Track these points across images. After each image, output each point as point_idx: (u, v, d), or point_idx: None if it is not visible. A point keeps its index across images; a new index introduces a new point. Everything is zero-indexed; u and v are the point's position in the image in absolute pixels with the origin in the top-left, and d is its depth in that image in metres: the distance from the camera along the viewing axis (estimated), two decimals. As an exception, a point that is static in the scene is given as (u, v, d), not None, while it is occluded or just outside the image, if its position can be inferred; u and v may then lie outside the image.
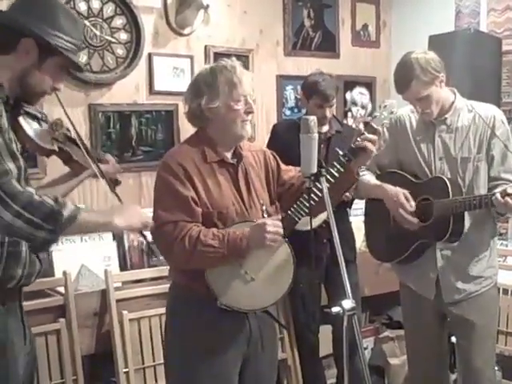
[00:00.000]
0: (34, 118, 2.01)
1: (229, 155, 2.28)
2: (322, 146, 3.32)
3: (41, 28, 1.84)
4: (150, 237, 2.23)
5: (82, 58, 3.52)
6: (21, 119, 1.94)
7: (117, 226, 1.94)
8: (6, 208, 1.69)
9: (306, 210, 2.21)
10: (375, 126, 2.22)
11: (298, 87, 4.45)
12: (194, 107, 2.25)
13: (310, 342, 3.55)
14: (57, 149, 2.05)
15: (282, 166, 2.43)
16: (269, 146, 3.45)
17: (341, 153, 2.23)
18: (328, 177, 2.17)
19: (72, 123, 2.14)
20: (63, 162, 2.15)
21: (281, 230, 2.16)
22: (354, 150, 2.21)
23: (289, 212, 2.24)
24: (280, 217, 2.22)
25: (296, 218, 2.23)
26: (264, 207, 2.30)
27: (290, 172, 2.42)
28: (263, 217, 2.27)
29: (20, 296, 2.01)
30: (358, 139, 2.21)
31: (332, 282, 3.37)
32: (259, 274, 2.21)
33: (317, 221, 3.08)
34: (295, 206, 2.24)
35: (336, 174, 2.20)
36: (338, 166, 2.21)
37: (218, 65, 2.25)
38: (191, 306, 2.22)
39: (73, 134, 2.13)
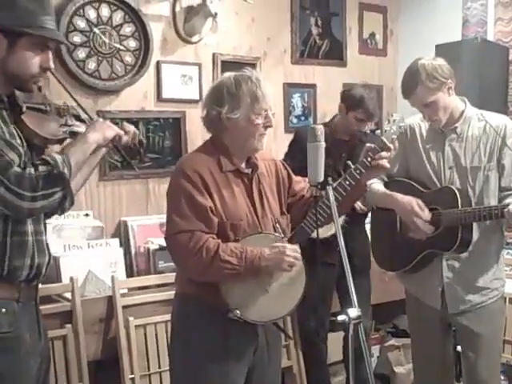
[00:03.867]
0: (38, 110, 1.99)
1: (243, 165, 2.27)
2: (344, 154, 3.32)
3: None
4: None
5: (91, 64, 3.56)
6: (24, 117, 1.93)
7: (94, 139, 1.99)
8: (21, 198, 1.77)
9: (319, 222, 2.22)
10: (386, 141, 2.23)
11: (306, 95, 4.50)
12: (213, 114, 2.22)
13: (317, 349, 3.54)
14: (67, 135, 2.04)
15: (293, 177, 2.43)
16: (290, 151, 3.46)
17: (352, 166, 2.25)
18: (340, 190, 2.22)
19: (77, 101, 2.12)
20: None
21: (299, 256, 2.19)
22: (366, 164, 2.23)
23: (302, 225, 2.28)
24: (298, 246, 2.22)
25: (309, 230, 2.27)
26: (275, 217, 2.29)
27: (300, 183, 2.42)
28: (274, 228, 2.27)
29: (36, 294, 2.02)
30: (371, 155, 2.22)
31: (344, 290, 3.36)
32: (273, 285, 2.21)
33: (331, 229, 3.11)
34: (308, 218, 2.26)
35: (348, 188, 2.23)
36: (350, 180, 2.24)
37: (243, 75, 2.22)
38: (199, 315, 2.21)
39: (82, 114, 2.11)
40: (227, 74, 2.27)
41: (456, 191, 2.57)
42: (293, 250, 2.17)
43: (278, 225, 2.29)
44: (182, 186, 2.15)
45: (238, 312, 2.15)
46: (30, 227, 1.93)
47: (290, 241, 2.27)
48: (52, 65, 1.95)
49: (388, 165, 2.26)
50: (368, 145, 2.27)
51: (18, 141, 1.88)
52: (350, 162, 2.27)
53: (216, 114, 2.20)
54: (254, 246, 2.16)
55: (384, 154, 2.23)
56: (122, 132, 2.10)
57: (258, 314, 2.19)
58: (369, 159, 2.23)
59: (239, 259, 2.11)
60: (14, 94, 1.94)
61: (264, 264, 2.13)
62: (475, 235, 2.60)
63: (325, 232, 3.25)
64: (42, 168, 1.81)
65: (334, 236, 3.17)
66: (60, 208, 1.93)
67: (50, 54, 1.95)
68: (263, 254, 2.13)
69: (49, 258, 2.03)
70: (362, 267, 3.38)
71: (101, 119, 2.12)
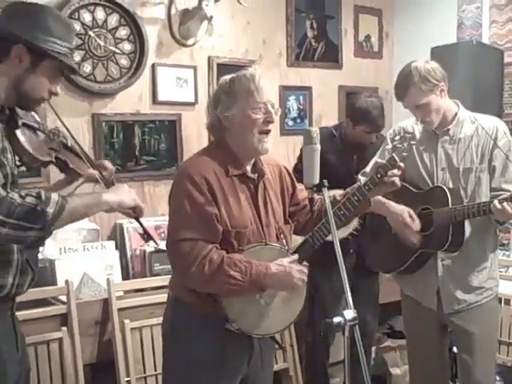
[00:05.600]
0: (32, 128, 1.99)
1: (249, 168, 2.21)
2: (355, 157, 3.33)
3: (29, 33, 1.85)
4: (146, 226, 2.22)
5: (87, 67, 3.55)
6: (18, 132, 1.92)
7: (107, 201, 1.94)
8: None
9: (324, 237, 2.21)
10: (397, 159, 2.21)
11: (301, 98, 4.51)
12: (212, 117, 2.19)
13: (322, 352, 3.53)
14: (54, 159, 2.04)
15: (297, 185, 2.37)
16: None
17: (362, 183, 2.24)
18: (348, 205, 2.22)
19: (68, 129, 2.12)
20: (60, 169, 2.15)
21: (305, 277, 2.14)
22: (376, 181, 2.21)
23: (307, 237, 2.24)
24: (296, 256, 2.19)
25: (314, 244, 2.23)
26: (279, 226, 2.24)
27: (303, 192, 2.37)
28: (278, 238, 2.22)
29: (13, 305, 1.98)
30: (381, 171, 2.20)
31: (354, 293, 3.37)
32: (274, 299, 2.16)
33: (343, 232, 3.18)
34: (314, 231, 2.23)
35: (356, 203, 2.22)
36: (359, 195, 2.22)
37: (239, 74, 2.17)
38: (195, 323, 2.15)
39: (69, 142, 2.12)
40: (225, 77, 2.23)
41: (446, 190, 2.60)
42: (299, 272, 2.12)
43: (282, 235, 2.24)
44: (188, 191, 2.07)
45: (235, 324, 2.11)
46: (15, 245, 1.89)
47: (295, 253, 2.22)
48: (59, 91, 1.97)
49: (399, 183, 2.24)
50: (379, 161, 2.25)
51: (9, 156, 1.86)
52: (360, 177, 2.25)
53: (214, 116, 2.18)
54: (258, 258, 2.10)
55: (396, 171, 2.21)
56: (142, 205, 2.07)
57: (256, 326, 2.16)
58: (379, 176, 2.20)
59: (244, 274, 2.04)
60: (15, 108, 1.94)
61: (269, 282, 2.08)
62: (468, 235, 2.62)
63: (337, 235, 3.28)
64: (28, 199, 1.76)
65: (346, 239, 3.22)
66: (33, 247, 1.88)
67: (60, 81, 1.99)
68: (268, 272, 2.07)
69: (32, 275, 1.98)
70: (372, 269, 3.40)
71: (126, 185, 2.08)
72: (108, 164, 2.25)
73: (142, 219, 2.13)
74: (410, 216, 2.62)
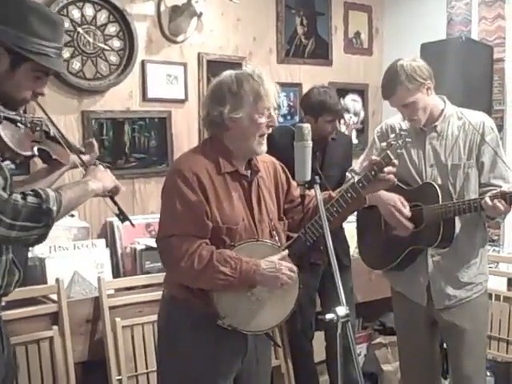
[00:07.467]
0: (13, 121, 1.91)
1: (243, 167, 2.21)
2: (318, 153, 3.33)
3: (8, 33, 1.78)
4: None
5: (76, 64, 3.53)
6: (0, 128, 1.85)
7: (93, 189, 1.99)
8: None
9: (317, 234, 2.21)
10: (392, 156, 2.21)
11: (291, 94, 4.50)
12: (214, 115, 2.14)
13: (306, 350, 3.54)
14: (36, 152, 1.97)
15: (292, 182, 2.36)
16: None
17: (356, 179, 2.23)
18: (341, 202, 2.22)
19: (50, 118, 2.06)
20: (43, 161, 2.09)
21: (294, 276, 2.14)
22: (369, 178, 2.21)
23: (300, 234, 2.24)
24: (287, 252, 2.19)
25: (307, 242, 2.23)
26: (273, 223, 2.24)
27: (298, 189, 2.33)
28: (271, 234, 2.22)
29: None
30: (375, 168, 2.19)
31: (327, 289, 3.38)
32: (265, 295, 2.17)
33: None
34: (307, 228, 2.22)
35: (349, 200, 2.22)
36: (352, 192, 2.22)
37: (244, 73, 2.15)
38: (189, 319, 2.15)
39: (52, 132, 2.06)
40: (227, 73, 2.19)
41: (436, 187, 2.60)
42: (288, 269, 2.12)
43: (274, 232, 2.24)
44: (178, 187, 2.08)
45: (226, 320, 2.11)
46: (3, 245, 1.87)
47: (287, 249, 2.22)
48: (45, 91, 1.92)
49: (395, 180, 2.23)
50: (373, 158, 2.25)
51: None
52: (352, 174, 2.25)
53: (218, 114, 2.13)
54: (250, 254, 2.11)
55: (390, 168, 2.20)
56: (119, 184, 2.10)
57: (247, 323, 2.16)
58: (373, 173, 2.20)
59: (233, 270, 2.05)
60: None
61: (258, 278, 2.09)
62: (458, 231, 2.63)
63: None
64: (30, 199, 1.74)
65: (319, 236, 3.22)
66: (34, 244, 1.86)
67: (46, 81, 1.92)
68: (258, 268, 2.08)
69: (19, 275, 1.95)
70: (345, 263, 3.42)
71: (101, 166, 2.10)
72: (95, 143, 2.23)
73: (131, 217, 2.15)
74: (401, 202, 2.61)
